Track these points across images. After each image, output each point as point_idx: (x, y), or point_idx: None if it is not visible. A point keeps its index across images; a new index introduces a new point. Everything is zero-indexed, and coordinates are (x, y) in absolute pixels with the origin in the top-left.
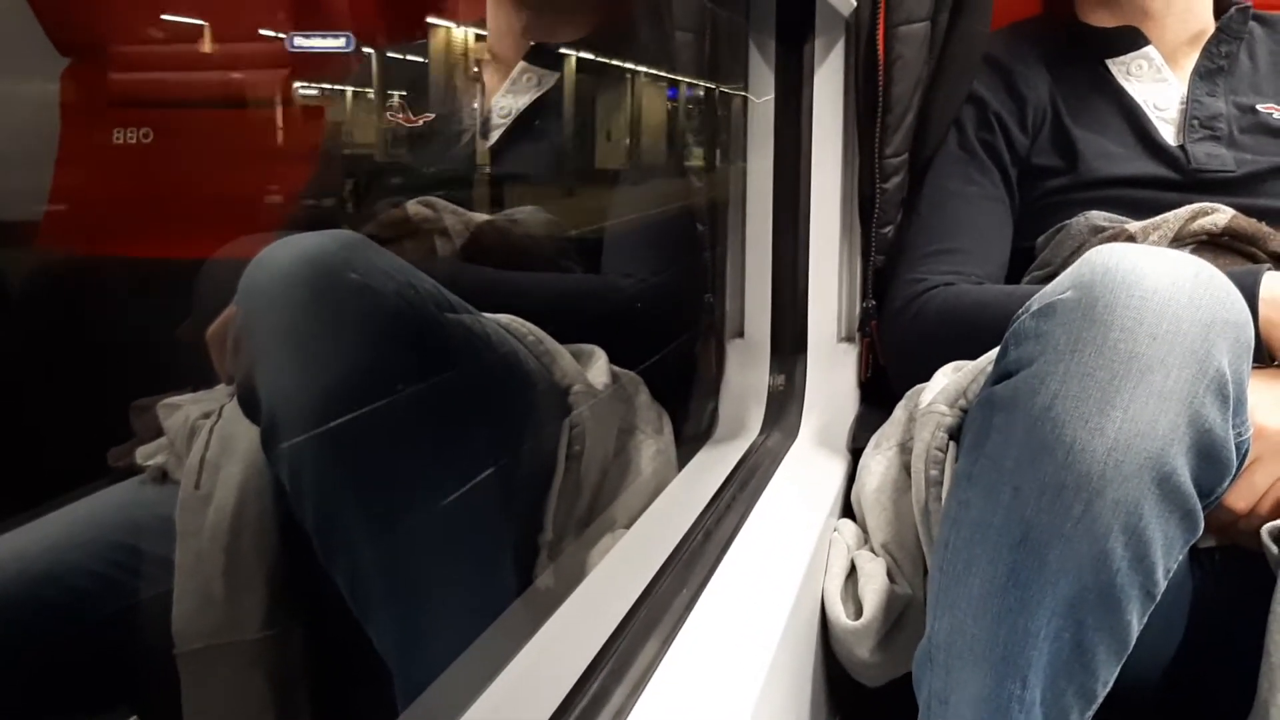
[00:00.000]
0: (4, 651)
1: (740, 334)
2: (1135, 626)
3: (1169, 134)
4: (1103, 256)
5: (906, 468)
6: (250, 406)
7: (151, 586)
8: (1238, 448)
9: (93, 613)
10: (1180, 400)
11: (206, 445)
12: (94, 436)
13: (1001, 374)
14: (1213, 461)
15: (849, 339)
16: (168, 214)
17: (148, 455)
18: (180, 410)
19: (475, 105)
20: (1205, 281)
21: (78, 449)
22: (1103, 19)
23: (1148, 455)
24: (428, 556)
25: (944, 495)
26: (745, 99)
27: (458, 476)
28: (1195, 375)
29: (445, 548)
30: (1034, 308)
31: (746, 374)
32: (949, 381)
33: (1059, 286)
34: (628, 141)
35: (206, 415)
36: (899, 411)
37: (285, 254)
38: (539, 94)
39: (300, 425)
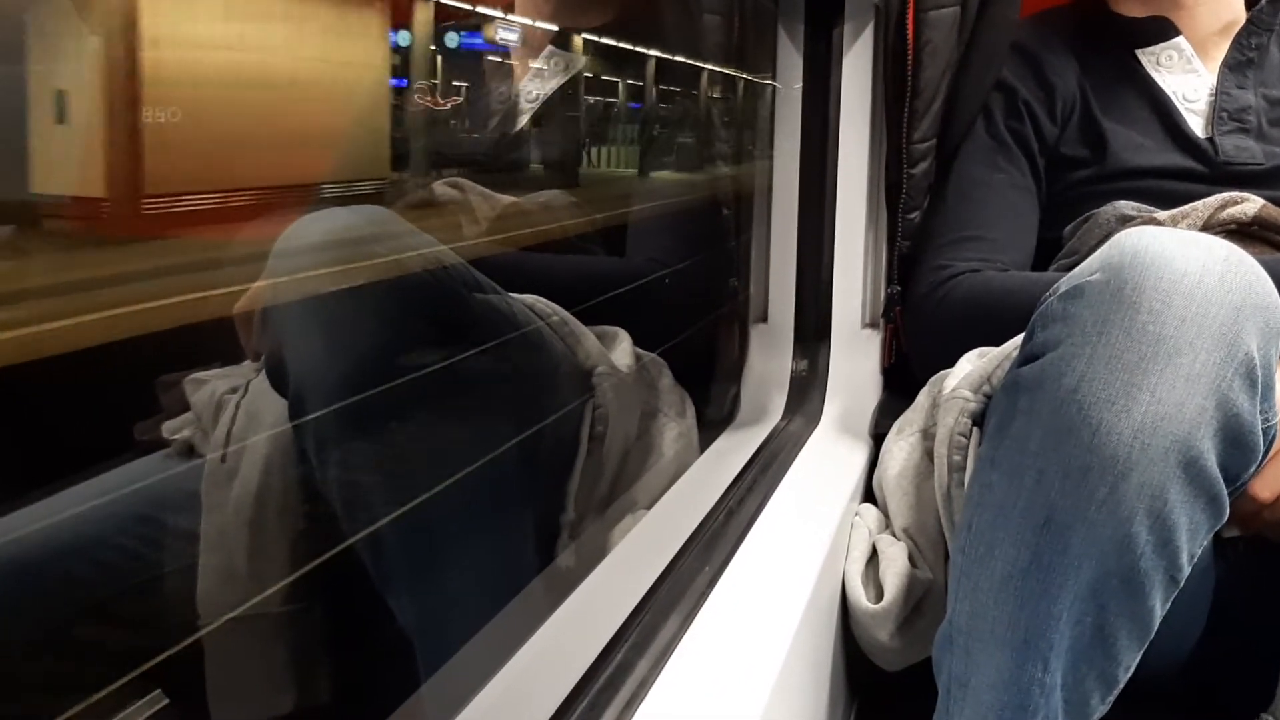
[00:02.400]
0: (29, 623)
1: (764, 319)
2: (1158, 612)
3: (1198, 126)
4: (1132, 239)
5: (929, 453)
6: (278, 380)
7: (176, 560)
8: (1265, 433)
9: (117, 584)
10: (1208, 383)
11: (233, 420)
12: (121, 411)
13: (1027, 356)
14: (1239, 446)
15: (873, 325)
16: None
17: (174, 429)
18: (207, 385)
19: (503, 89)
20: (1235, 265)
21: (103, 423)
22: (1133, 9)
23: (1174, 438)
24: (451, 532)
25: (967, 480)
26: (773, 84)
27: (481, 454)
28: (1224, 359)
29: (468, 524)
30: (1061, 290)
31: (769, 359)
32: (973, 367)
33: (1087, 268)
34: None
35: (233, 390)
36: (922, 397)
37: (314, 229)
38: (567, 78)
39: (327, 399)
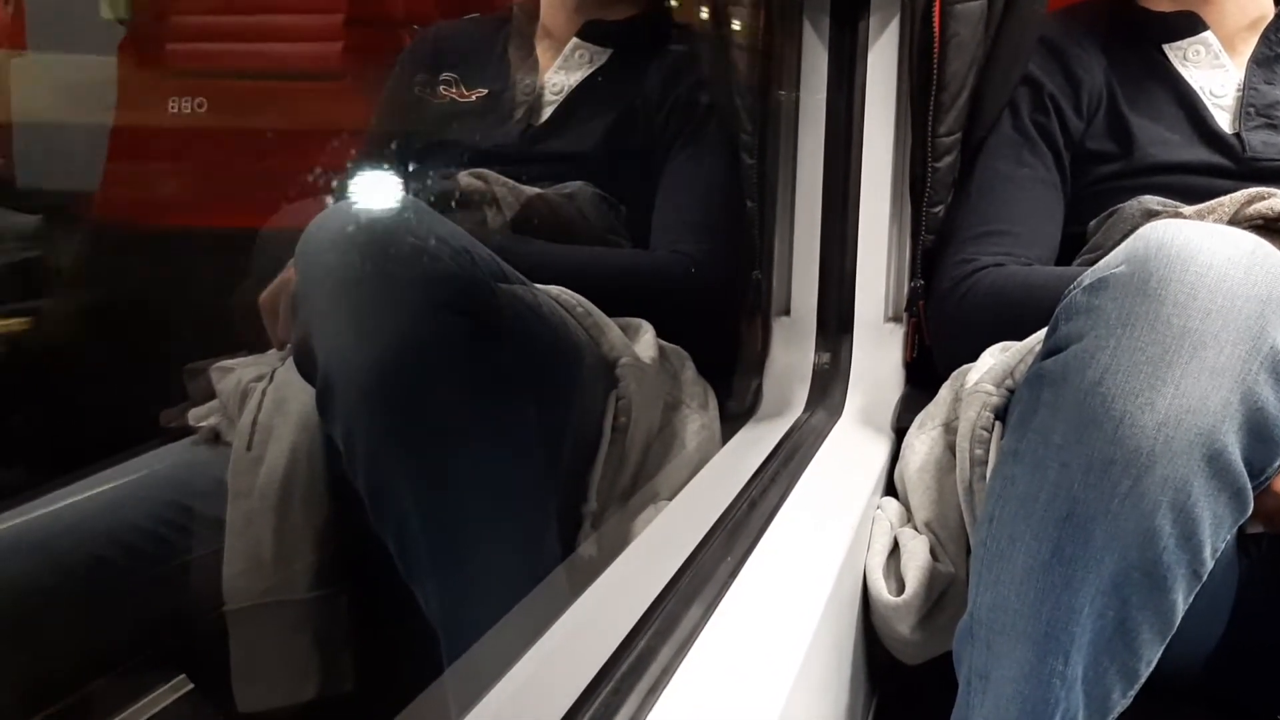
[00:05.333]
0: (57, 605)
1: (786, 312)
2: (1180, 606)
3: (1225, 121)
4: (1157, 232)
5: (951, 447)
6: (306, 367)
7: (202, 545)
8: None
9: (144, 569)
10: (1233, 377)
11: (259, 407)
12: (150, 398)
13: (1051, 349)
14: (1264, 440)
15: (896, 319)
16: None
17: (200, 417)
18: (233, 373)
19: (528, 82)
20: (1262, 258)
21: (133, 411)
22: (1160, 3)
23: (1198, 432)
24: (476, 520)
25: (989, 474)
26: (798, 75)
27: (506, 443)
28: (1249, 352)
29: (493, 513)
30: (1086, 282)
31: (792, 352)
32: (996, 362)
33: (1112, 261)
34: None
35: (259, 378)
36: (944, 391)
37: (343, 218)
38: (591, 71)
39: (355, 387)
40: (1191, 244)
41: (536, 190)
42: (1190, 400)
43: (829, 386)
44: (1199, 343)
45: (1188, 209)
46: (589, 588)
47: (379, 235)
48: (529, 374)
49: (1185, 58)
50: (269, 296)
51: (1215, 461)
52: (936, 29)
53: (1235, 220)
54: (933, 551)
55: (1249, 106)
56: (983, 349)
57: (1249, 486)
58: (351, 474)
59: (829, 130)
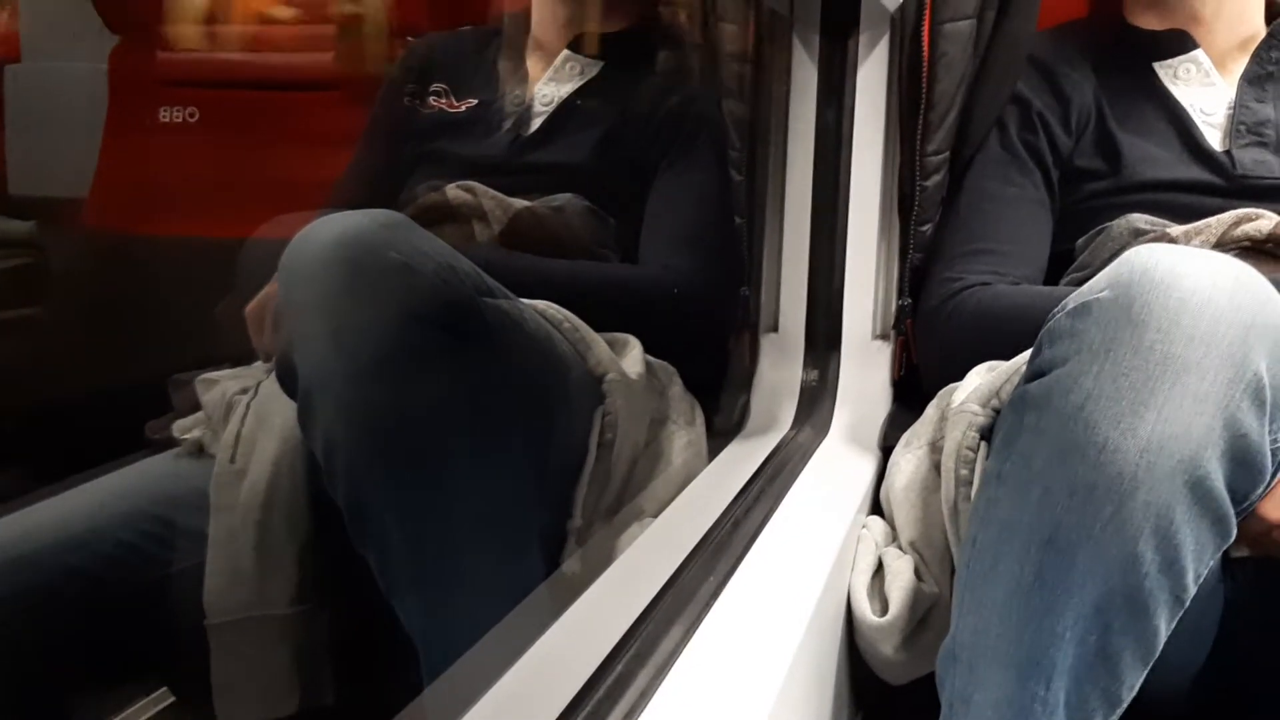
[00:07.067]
0: (37, 617)
1: (774, 328)
2: (1163, 632)
3: (1215, 139)
4: (1141, 257)
5: (936, 467)
6: (288, 381)
7: (184, 558)
8: (1274, 454)
9: (125, 582)
10: (1216, 403)
11: (243, 420)
12: (134, 409)
13: (1034, 373)
14: (1247, 467)
15: (883, 337)
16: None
17: (184, 429)
18: (218, 385)
19: (517, 93)
20: (1246, 284)
21: (117, 420)
22: (1151, 21)
23: (1181, 458)
24: (458, 537)
25: (974, 495)
26: (788, 92)
27: (490, 459)
28: (1232, 379)
29: (475, 529)
30: (1069, 306)
31: (779, 369)
32: (982, 381)
33: (1095, 286)
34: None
35: (244, 391)
36: (931, 410)
37: (327, 232)
38: (582, 83)
39: (335, 402)
40: (1176, 269)
41: (525, 203)
42: (1173, 427)
43: (816, 403)
44: (1182, 369)
45: (1176, 229)
46: (570, 607)
47: (362, 249)
48: (513, 389)
49: (1176, 76)
50: (255, 308)
51: (1198, 488)
52: (926, 47)
53: (1222, 241)
54: (917, 572)
55: (1240, 124)
56: (969, 368)
57: (1231, 513)
58: (331, 489)
59: (818, 147)
